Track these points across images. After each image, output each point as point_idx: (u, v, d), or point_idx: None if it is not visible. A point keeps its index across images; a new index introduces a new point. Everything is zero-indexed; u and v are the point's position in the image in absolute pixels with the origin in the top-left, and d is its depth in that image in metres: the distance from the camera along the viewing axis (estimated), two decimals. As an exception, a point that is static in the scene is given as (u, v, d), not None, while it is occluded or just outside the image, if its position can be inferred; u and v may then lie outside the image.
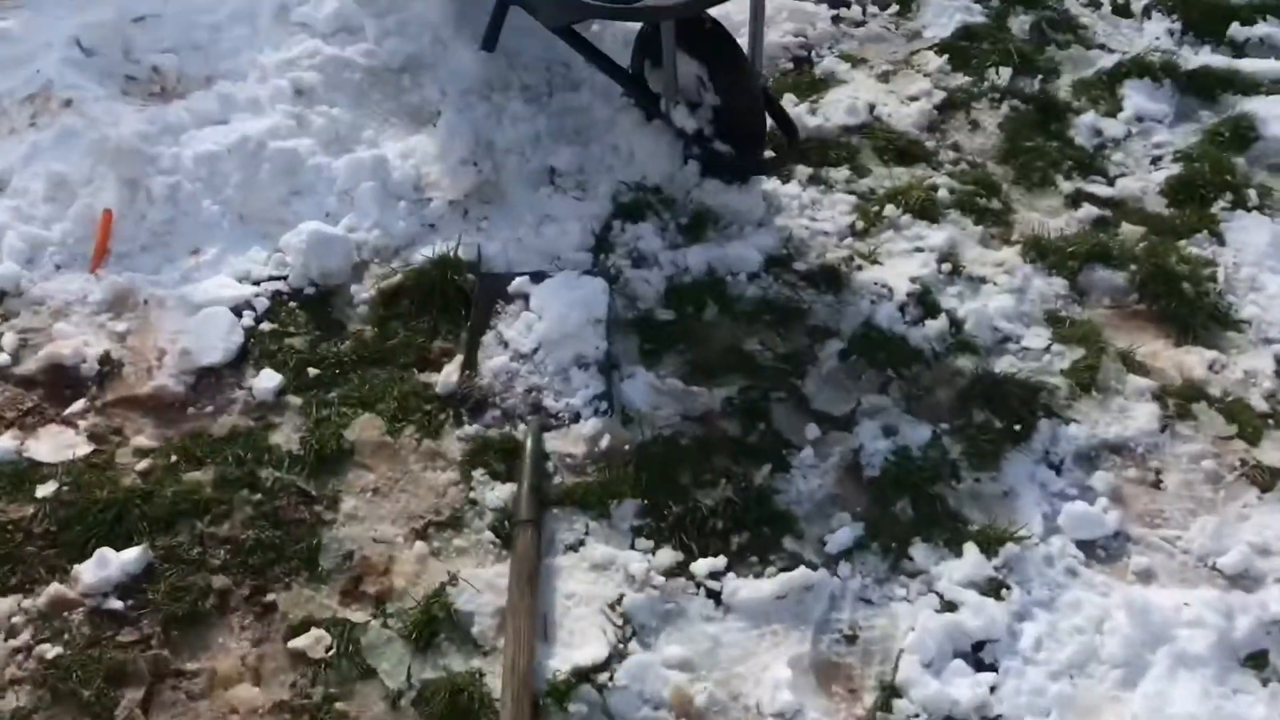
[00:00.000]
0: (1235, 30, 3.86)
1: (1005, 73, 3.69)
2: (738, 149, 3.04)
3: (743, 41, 3.06)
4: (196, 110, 3.18)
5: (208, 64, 3.45)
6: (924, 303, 2.88)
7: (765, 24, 3.11)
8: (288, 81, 3.24)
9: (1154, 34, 3.91)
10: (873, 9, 4.02)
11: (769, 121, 3.13)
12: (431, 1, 3.53)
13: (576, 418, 2.57)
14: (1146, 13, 4.01)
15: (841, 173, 3.30)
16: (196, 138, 3.10)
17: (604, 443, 2.51)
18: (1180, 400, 2.69)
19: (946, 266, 2.98)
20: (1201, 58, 3.76)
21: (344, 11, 3.51)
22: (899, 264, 3.00)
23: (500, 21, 3.32)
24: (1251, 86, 3.61)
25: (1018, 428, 2.60)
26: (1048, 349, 2.80)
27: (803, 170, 3.25)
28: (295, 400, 2.63)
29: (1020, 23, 3.97)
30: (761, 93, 3.07)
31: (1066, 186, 3.28)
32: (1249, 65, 3.71)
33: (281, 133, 3.10)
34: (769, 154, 3.21)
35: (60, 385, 2.65)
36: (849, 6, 3.98)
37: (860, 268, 2.99)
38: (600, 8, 2.79)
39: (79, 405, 2.61)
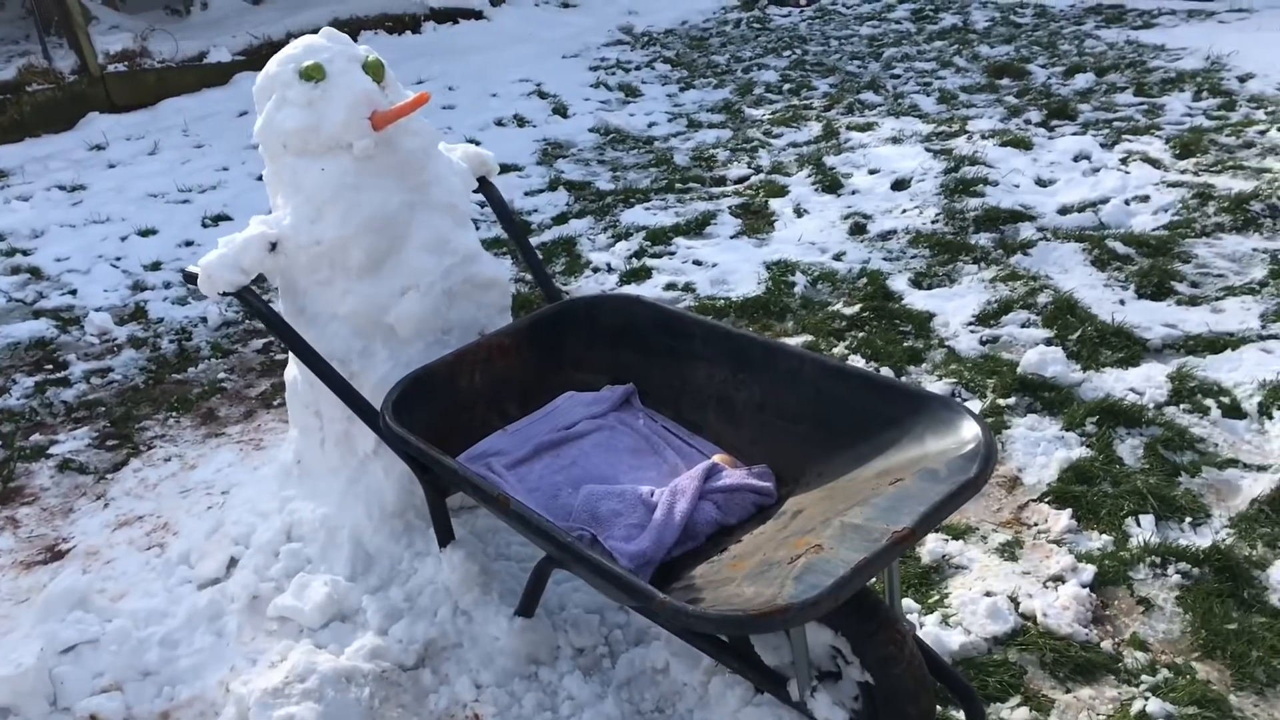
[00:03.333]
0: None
1: (1148, 523, 3.03)
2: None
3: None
4: (154, 798, 2.30)
5: (163, 697, 2.62)
6: None
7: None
8: (275, 729, 2.40)
9: (1281, 436, 3.34)
10: (953, 456, 3.40)
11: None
12: (447, 560, 2.78)
13: None
14: (1265, 411, 3.45)
15: (1019, 712, 2.50)
16: None
17: None
18: None
19: None
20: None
21: (335, 594, 2.75)
22: None
23: (541, 588, 2.58)
24: None
25: None
26: None
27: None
28: None
29: (1130, 448, 3.36)
30: (921, 653, 2.28)
31: (1305, 684, 2.52)
32: None
33: (275, 815, 2.23)
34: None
35: None
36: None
37: None
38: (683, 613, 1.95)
39: None
